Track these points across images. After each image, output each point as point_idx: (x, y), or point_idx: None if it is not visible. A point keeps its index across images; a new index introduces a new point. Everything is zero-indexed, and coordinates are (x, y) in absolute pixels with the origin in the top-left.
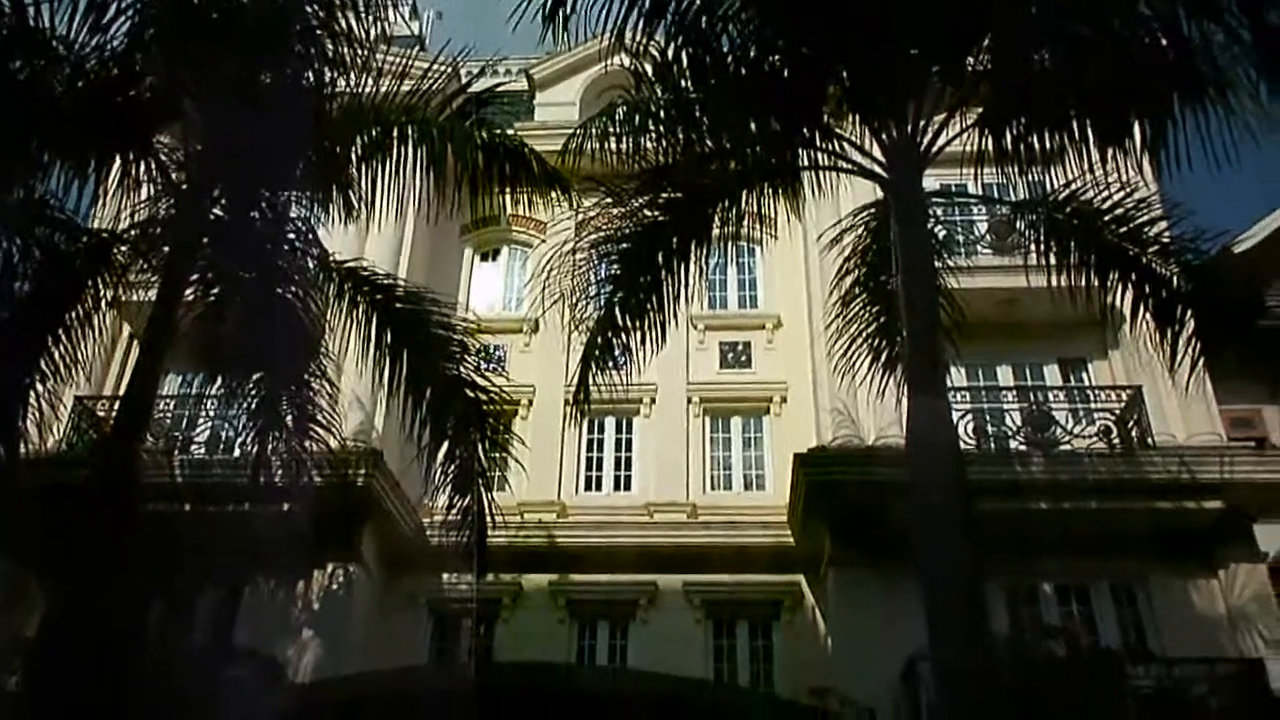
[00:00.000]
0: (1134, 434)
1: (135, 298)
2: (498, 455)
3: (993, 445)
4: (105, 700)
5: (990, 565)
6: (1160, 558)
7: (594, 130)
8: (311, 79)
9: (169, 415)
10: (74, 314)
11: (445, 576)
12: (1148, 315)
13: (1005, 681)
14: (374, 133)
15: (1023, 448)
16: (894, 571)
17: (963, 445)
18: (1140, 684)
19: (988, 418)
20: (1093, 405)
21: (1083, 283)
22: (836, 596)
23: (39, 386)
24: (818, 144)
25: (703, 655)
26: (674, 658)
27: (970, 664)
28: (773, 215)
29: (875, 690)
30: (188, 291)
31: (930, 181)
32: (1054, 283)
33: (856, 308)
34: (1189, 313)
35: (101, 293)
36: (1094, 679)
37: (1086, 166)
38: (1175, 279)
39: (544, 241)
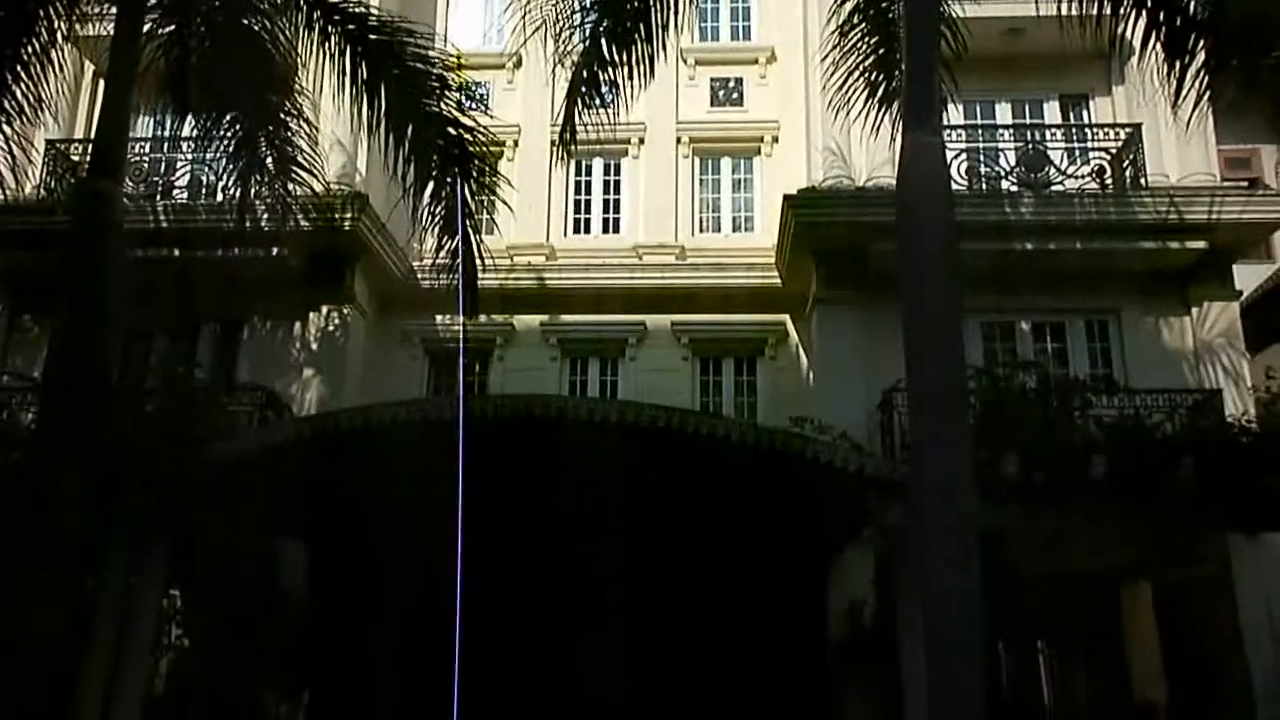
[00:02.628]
0: (1128, 174)
1: (96, 31)
2: (484, 197)
3: (984, 185)
4: (113, 433)
5: (971, 302)
6: (1137, 296)
7: None
8: None
9: (147, 160)
10: (30, 48)
11: (439, 318)
12: (1158, 45)
13: (977, 409)
14: None
15: (1014, 188)
16: (877, 309)
17: (954, 185)
18: (1103, 412)
19: (982, 157)
20: (1090, 144)
21: (1094, 9)
22: (820, 332)
23: (5, 128)
24: None
25: (690, 390)
26: (662, 392)
27: (943, 391)
28: None
29: (853, 419)
30: (147, 19)
31: None
32: (1064, 9)
33: (855, 38)
34: (1201, 42)
35: (55, 24)
36: (1060, 407)
37: None
38: (1191, 5)
39: None
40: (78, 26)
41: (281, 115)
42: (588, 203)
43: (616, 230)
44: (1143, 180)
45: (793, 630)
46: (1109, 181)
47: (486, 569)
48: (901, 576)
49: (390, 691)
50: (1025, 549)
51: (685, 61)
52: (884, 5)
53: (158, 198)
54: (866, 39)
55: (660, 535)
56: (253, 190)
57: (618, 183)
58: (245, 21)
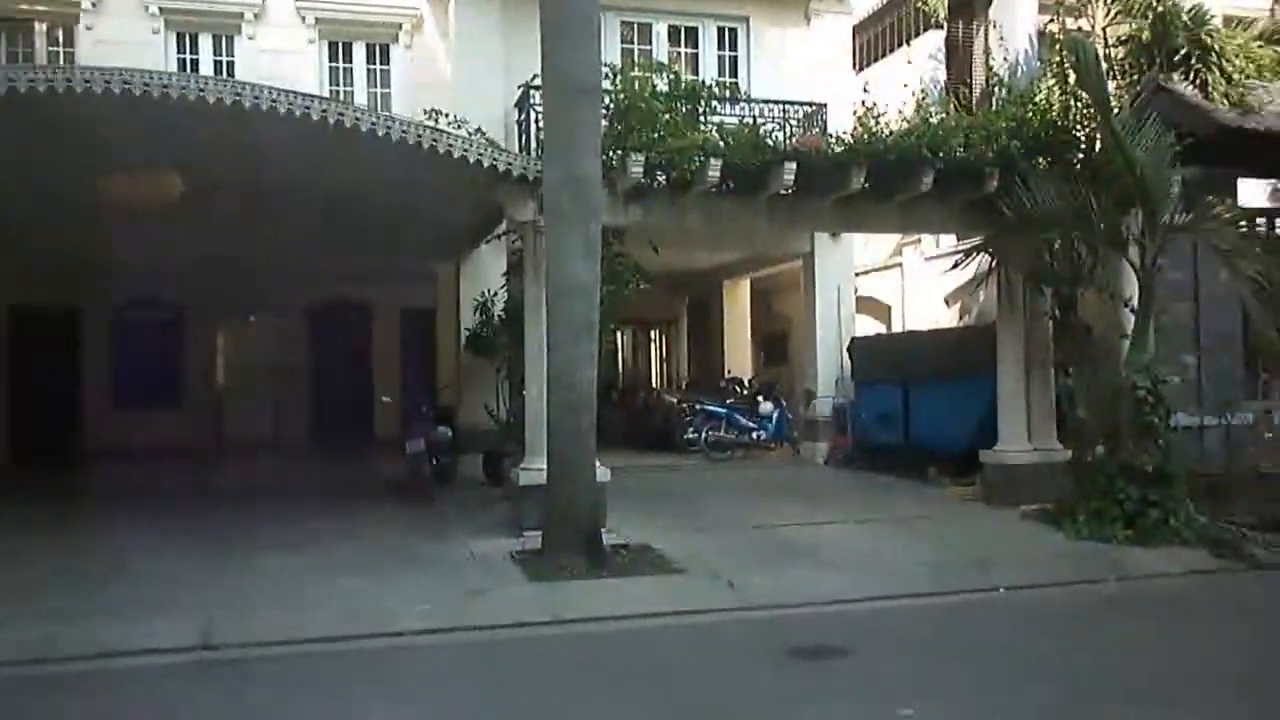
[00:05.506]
0: None
1: None
2: None
3: None
4: None
5: None
6: (765, 4)
7: None
8: None
9: None
10: None
11: None
12: None
13: (610, 109)
14: None
15: None
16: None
17: None
18: (727, 119)
19: None
20: None
21: None
22: (458, 22)
23: None
24: None
25: (317, 76)
26: (285, 78)
27: (578, 88)
28: None
29: (491, 115)
30: None
31: None
32: None
33: None
34: None
35: None
36: (688, 111)
37: None
38: None
39: None
40: None
41: None
42: None
43: None
44: None
45: (428, 319)
46: None
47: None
48: (531, 269)
49: None
50: (640, 244)
51: None
52: None
53: None
54: None
55: (286, 227)
56: None
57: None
58: None
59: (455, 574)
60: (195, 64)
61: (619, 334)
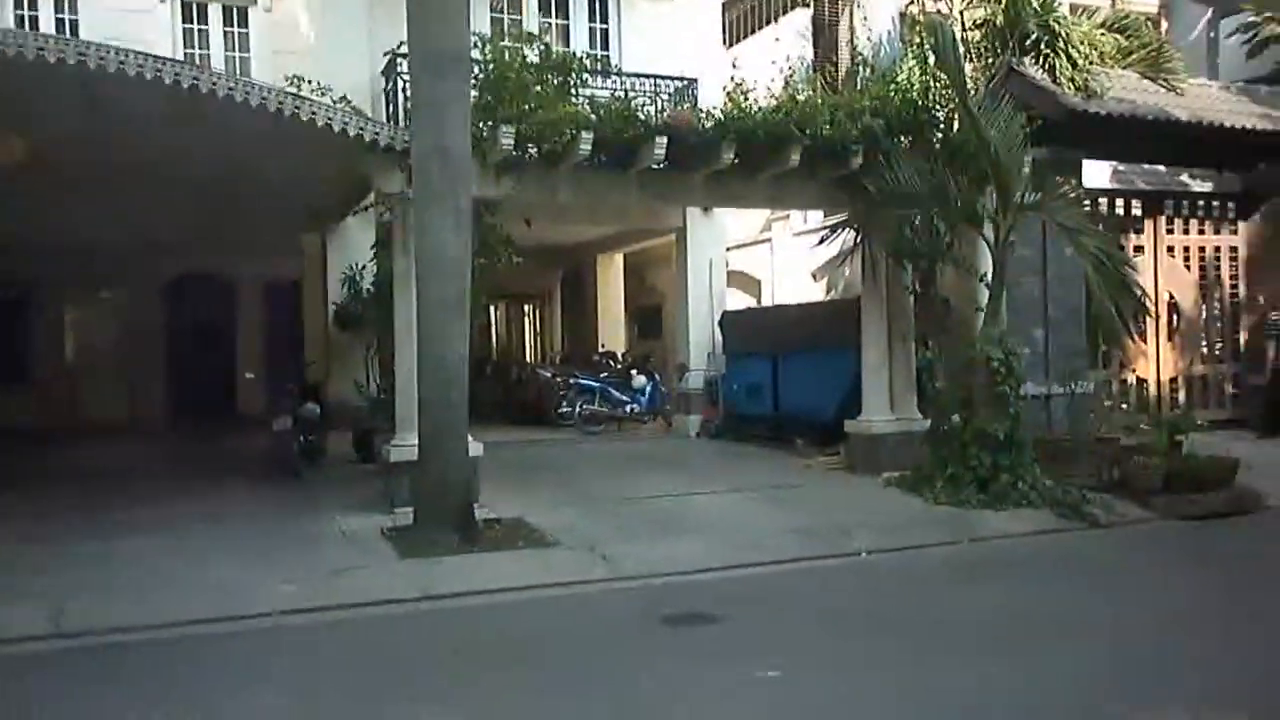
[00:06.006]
0: None
1: None
2: None
3: None
4: None
5: None
6: None
7: None
8: None
9: None
10: None
11: None
12: None
13: (479, 79)
14: None
15: None
16: None
17: None
18: (597, 92)
19: None
20: None
21: None
22: None
23: None
24: None
25: (169, 38)
26: (133, 38)
27: (447, 57)
28: None
29: (356, 83)
30: None
31: None
32: None
33: None
34: None
35: None
36: (559, 84)
37: None
38: None
39: None
40: None
41: None
42: None
43: None
44: None
45: (294, 293)
46: None
47: None
48: (400, 241)
49: None
50: (513, 218)
51: None
52: None
53: None
54: None
55: (140, 197)
56: None
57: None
58: None
59: (323, 552)
60: (35, 21)
61: (492, 308)
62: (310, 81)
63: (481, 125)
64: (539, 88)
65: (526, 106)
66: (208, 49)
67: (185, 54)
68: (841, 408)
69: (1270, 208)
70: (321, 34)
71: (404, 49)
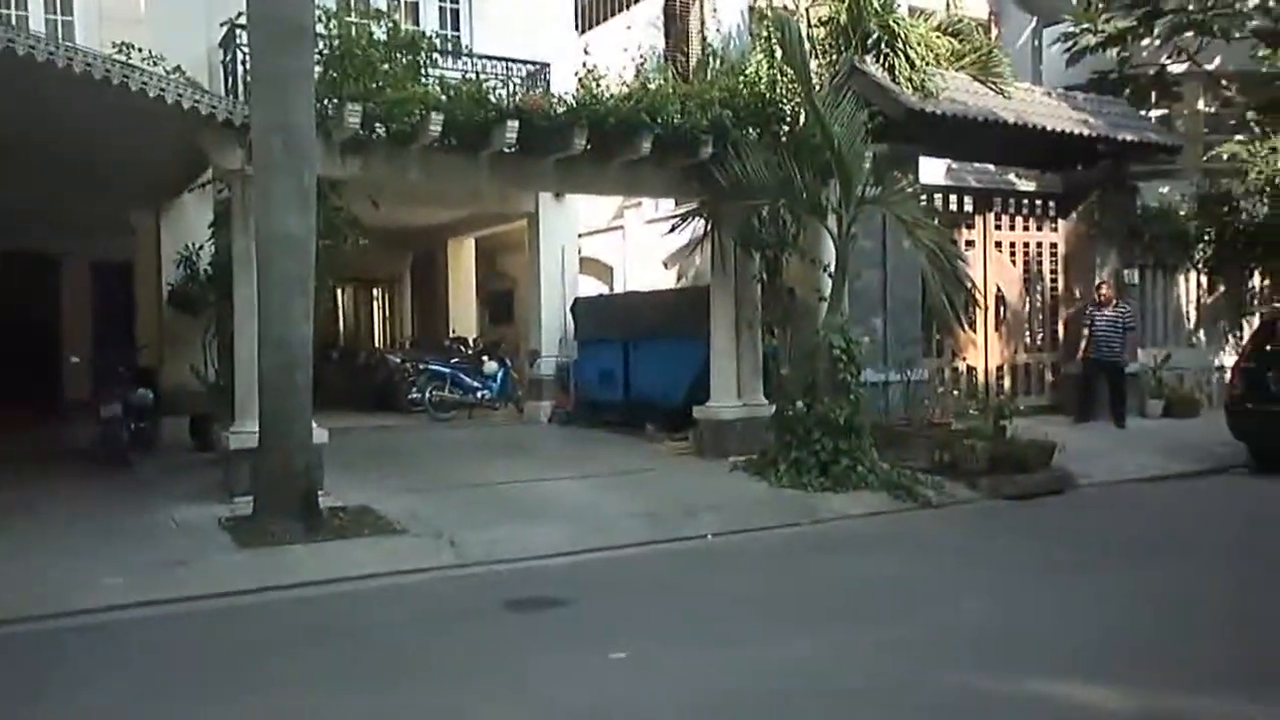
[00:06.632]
0: None
1: None
2: None
3: None
4: None
5: None
6: None
7: None
8: None
9: None
10: None
11: None
12: None
13: (324, 54)
14: None
15: None
16: None
17: None
18: (447, 72)
19: None
20: None
21: None
22: None
23: None
24: None
25: None
26: None
27: (289, 29)
28: None
29: (193, 55)
30: None
31: None
32: None
33: None
34: None
35: None
36: (408, 63)
37: None
38: None
39: None
40: None
41: None
42: None
43: None
44: None
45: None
46: None
47: None
48: (239, 220)
49: None
50: (361, 199)
51: None
52: None
53: None
54: None
55: None
56: None
57: None
58: None
59: (156, 544)
60: None
61: (339, 292)
62: (141, 50)
63: (326, 102)
64: (387, 66)
65: (374, 85)
66: (25, 10)
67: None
68: (691, 394)
69: (1086, 208)
70: (154, 0)
71: (244, 19)
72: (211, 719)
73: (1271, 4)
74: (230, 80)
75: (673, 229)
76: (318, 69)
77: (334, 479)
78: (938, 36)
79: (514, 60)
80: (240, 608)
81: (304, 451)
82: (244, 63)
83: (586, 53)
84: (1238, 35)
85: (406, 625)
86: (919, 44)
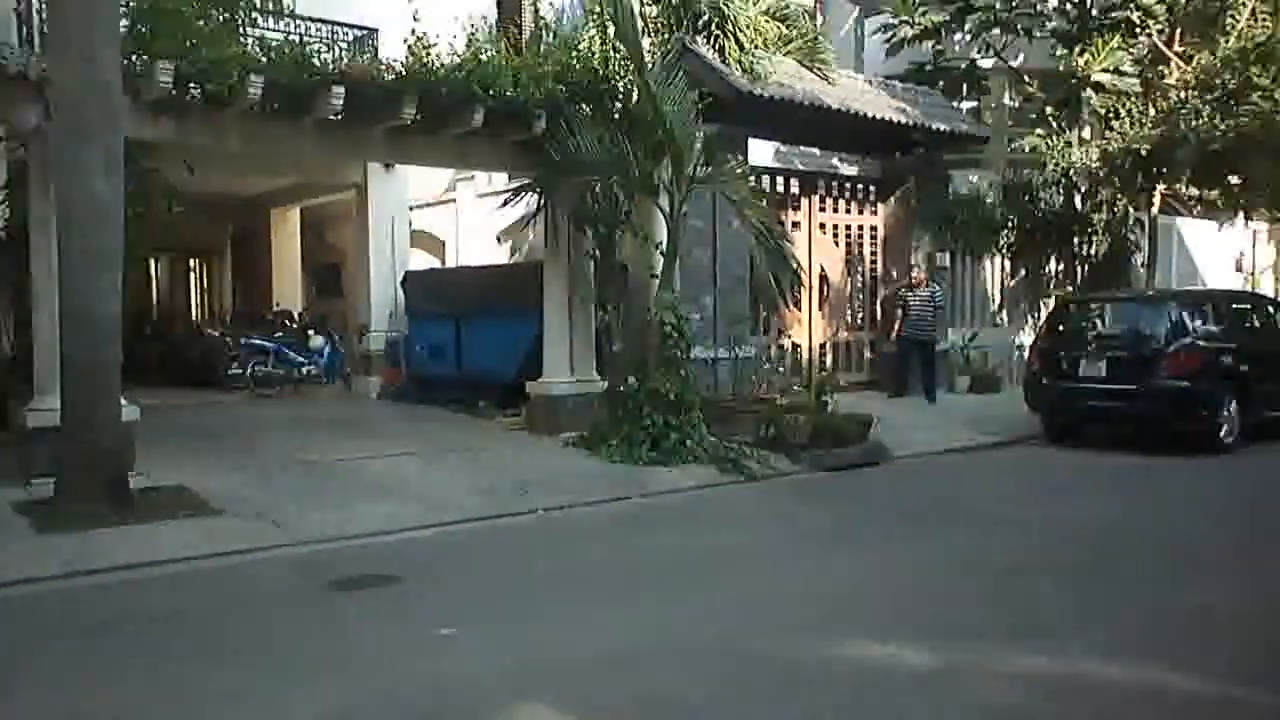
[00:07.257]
0: None
1: None
2: None
3: None
4: None
5: None
6: None
7: None
8: None
9: None
10: None
11: None
12: None
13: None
14: None
15: None
16: None
17: None
18: (268, 34)
19: None
20: None
21: None
22: None
23: None
24: None
25: None
26: None
27: None
28: None
29: None
30: None
31: None
32: None
33: None
34: None
35: None
36: (226, 21)
37: None
38: None
39: None
40: None
41: None
42: None
43: None
44: None
45: None
46: None
47: None
48: (39, 183)
49: None
50: (176, 165)
51: None
52: None
53: None
54: None
55: None
56: None
57: None
58: None
59: None
60: None
61: (153, 262)
62: None
63: (135, 59)
64: (202, 22)
65: (189, 43)
66: None
67: None
68: (523, 369)
69: (904, 193)
70: None
71: None
72: None
73: (1068, 7)
74: (25, 29)
75: (506, 203)
76: (125, 23)
77: (147, 459)
78: (766, 21)
79: (340, 24)
80: (39, 595)
81: (112, 430)
82: (41, 11)
83: (416, 19)
84: (1038, 34)
85: (224, 609)
86: (748, 27)
